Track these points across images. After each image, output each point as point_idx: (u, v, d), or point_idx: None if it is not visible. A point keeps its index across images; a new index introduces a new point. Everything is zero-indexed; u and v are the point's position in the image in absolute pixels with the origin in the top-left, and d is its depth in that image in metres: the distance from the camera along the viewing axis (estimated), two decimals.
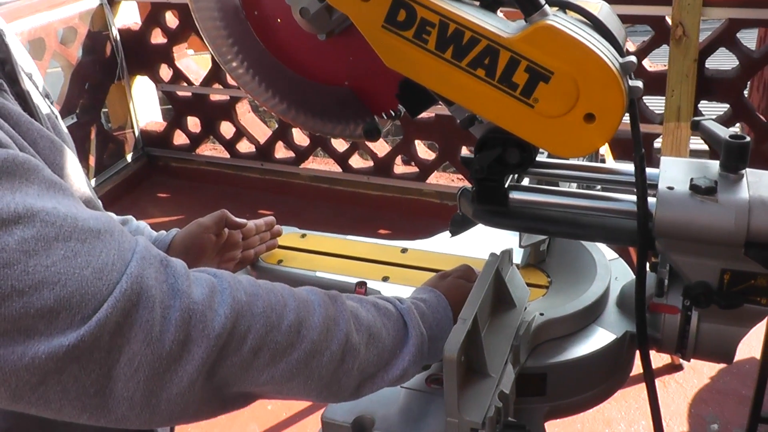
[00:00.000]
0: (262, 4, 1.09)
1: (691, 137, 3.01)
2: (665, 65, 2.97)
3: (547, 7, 0.86)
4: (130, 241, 0.76)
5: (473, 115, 0.97)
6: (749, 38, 4.54)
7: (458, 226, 1.14)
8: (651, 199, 0.95)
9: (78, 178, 0.90)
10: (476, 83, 0.89)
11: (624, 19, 3.12)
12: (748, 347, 2.71)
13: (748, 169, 0.98)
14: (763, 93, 3.44)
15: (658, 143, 3.20)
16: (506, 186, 1.03)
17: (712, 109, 3.24)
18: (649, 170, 0.99)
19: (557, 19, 0.86)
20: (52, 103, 1.02)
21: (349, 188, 3.83)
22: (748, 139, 0.97)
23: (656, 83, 3.02)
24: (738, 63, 2.97)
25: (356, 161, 3.81)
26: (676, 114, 2.93)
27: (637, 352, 1.04)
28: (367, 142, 3.64)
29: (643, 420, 2.49)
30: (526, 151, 0.97)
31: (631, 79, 0.89)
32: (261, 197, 3.97)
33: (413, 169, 3.70)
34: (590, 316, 1.11)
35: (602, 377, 1.11)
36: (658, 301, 1.05)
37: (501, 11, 0.95)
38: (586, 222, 1.02)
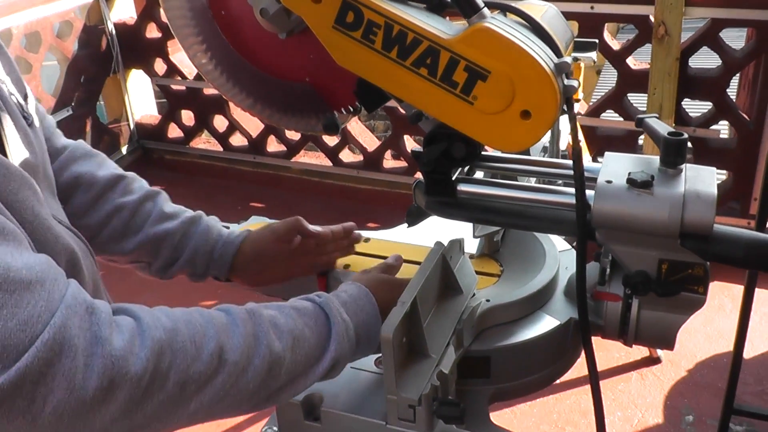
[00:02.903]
0: (229, 4, 1.14)
1: None
2: (650, 63, 3.01)
3: (486, 9, 0.91)
4: (61, 289, 0.77)
5: (420, 111, 1.02)
6: (738, 37, 4.58)
7: (414, 217, 1.20)
8: (590, 192, 1.00)
9: (34, 204, 0.89)
10: (420, 81, 0.94)
11: (610, 18, 3.17)
12: (727, 342, 2.75)
13: (687, 165, 1.03)
14: (749, 91, 3.47)
15: (641, 140, 3.25)
16: (454, 178, 1.08)
17: (696, 107, 3.28)
18: (593, 165, 1.04)
19: (495, 21, 0.91)
20: (24, 104, 1.02)
21: (339, 182, 3.88)
22: (685, 136, 1.02)
23: (641, 81, 3.07)
24: (721, 62, 3.02)
25: (346, 155, 3.86)
26: (657, 111, 2.98)
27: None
28: (356, 137, 3.70)
29: (618, 411, 2.54)
30: (470, 146, 1.02)
31: (567, 78, 0.94)
32: (253, 190, 4.02)
33: (402, 163, 3.75)
34: (536, 303, 1.16)
35: (546, 362, 1.16)
36: (601, 290, 1.09)
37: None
38: (531, 213, 1.06)
